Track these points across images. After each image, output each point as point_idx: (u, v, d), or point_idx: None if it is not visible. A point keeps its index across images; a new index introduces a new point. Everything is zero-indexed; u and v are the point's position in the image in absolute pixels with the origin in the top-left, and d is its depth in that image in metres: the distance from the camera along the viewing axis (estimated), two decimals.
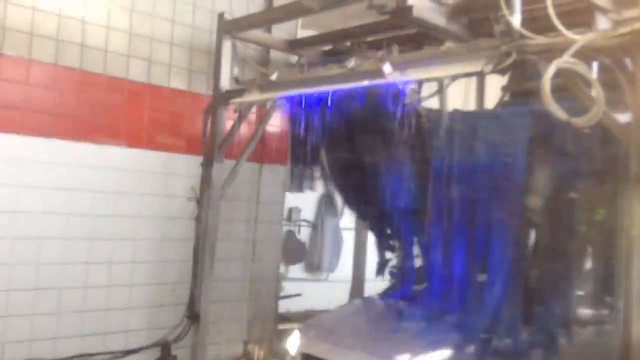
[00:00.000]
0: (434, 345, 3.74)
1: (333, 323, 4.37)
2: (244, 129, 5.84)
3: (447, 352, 3.71)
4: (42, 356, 4.92)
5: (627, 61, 3.06)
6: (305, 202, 8.08)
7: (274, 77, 4.42)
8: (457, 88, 4.82)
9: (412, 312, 4.36)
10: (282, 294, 7.16)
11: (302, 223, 8.30)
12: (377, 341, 3.89)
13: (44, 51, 4.98)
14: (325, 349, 4.00)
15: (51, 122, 5.01)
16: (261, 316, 6.39)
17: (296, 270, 8.23)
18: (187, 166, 5.70)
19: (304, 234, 8.32)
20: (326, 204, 8.29)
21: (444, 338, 3.82)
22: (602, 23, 3.61)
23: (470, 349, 3.78)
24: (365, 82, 3.82)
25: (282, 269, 7.32)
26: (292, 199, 7.43)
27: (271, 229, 6.58)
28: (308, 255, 8.28)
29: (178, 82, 5.77)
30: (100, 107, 5.28)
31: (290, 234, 8.10)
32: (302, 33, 6.40)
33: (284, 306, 7.17)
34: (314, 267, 8.33)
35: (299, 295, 7.63)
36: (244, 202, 6.30)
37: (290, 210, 8.01)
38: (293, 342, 4.21)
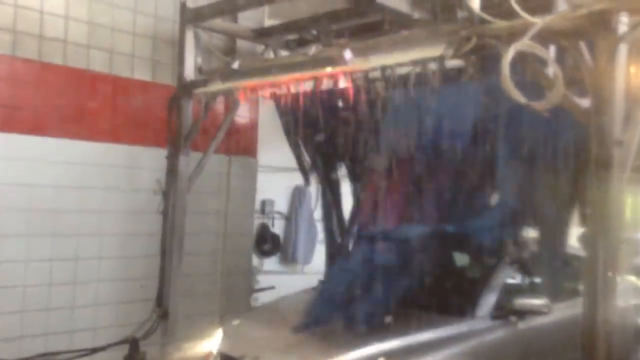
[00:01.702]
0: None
1: (257, 321, 4.34)
2: (212, 120, 5.74)
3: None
4: (5, 356, 4.79)
5: (586, 44, 3.02)
6: (278, 194, 7.99)
7: (235, 65, 4.33)
8: None
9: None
10: (256, 287, 7.08)
11: (276, 215, 8.20)
12: (297, 340, 3.86)
13: (0, 42, 4.83)
14: (244, 349, 3.96)
15: (9, 115, 4.87)
16: (234, 310, 6.31)
17: (271, 263, 8.15)
18: (153, 159, 5.59)
19: (277, 227, 8.23)
20: (300, 195, 8.20)
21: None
22: (562, 7, 3.58)
23: None
24: (328, 69, 3.74)
25: (256, 262, 7.24)
26: (265, 191, 7.34)
27: (243, 222, 6.51)
28: (282, 247, 8.20)
29: (142, 73, 5.65)
30: (61, 100, 5.15)
31: (264, 226, 8.00)
32: (270, 23, 6.30)
33: (258, 299, 7.10)
34: (289, 260, 8.24)
35: (272, 288, 7.53)
36: (213, 195, 6.21)
37: (264, 202, 7.88)
38: (214, 342, 4.16)
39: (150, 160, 5.61)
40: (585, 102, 3.06)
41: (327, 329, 3.97)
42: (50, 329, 5.09)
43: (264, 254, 7.86)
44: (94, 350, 5.26)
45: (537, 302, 4.19)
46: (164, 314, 5.29)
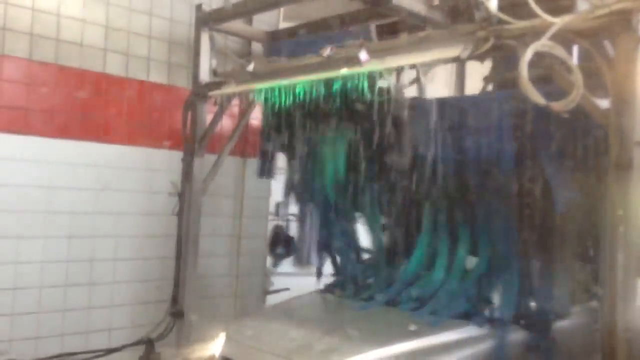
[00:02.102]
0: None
1: (262, 324, 4.21)
2: (227, 123, 5.75)
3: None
4: (22, 356, 4.82)
5: (606, 44, 2.99)
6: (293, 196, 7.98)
7: (250, 67, 4.33)
8: (438, 78, 4.76)
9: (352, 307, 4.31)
10: (271, 289, 7.08)
11: (291, 217, 8.20)
12: (302, 343, 3.75)
13: (18, 46, 4.87)
14: (247, 353, 3.89)
15: (27, 118, 4.91)
16: (249, 312, 6.32)
17: (286, 265, 8.15)
18: (168, 161, 5.61)
19: (292, 229, 8.23)
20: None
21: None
22: (583, 7, 3.55)
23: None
24: (343, 70, 3.73)
25: (270, 264, 7.24)
26: (280, 193, 7.34)
27: (257, 224, 6.52)
28: (297, 249, 8.19)
29: (157, 76, 5.67)
30: (78, 103, 5.18)
31: (279, 228, 8.00)
32: (285, 25, 6.31)
33: (273, 301, 7.09)
34: (303, 262, 8.24)
35: (287, 289, 7.53)
36: (228, 197, 6.22)
37: (278, 204, 7.91)
38: (217, 346, 4.11)
39: (165, 163, 5.63)
40: (604, 103, 3.03)
41: (336, 332, 3.85)
42: (66, 329, 5.11)
43: (278, 256, 7.87)
44: (110, 351, 5.28)
45: (556, 306, 4.04)
46: (179, 315, 5.30)
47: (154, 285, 5.61)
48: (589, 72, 3.02)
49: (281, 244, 7.91)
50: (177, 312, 5.33)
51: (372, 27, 4.58)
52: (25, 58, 4.91)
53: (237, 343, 4.05)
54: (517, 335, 3.88)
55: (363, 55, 3.53)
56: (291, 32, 5.68)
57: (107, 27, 5.36)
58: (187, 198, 5.33)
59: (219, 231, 6.08)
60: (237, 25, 5.61)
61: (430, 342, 3.62)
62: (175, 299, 5.38)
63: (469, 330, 3.78)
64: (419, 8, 4.17)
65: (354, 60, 3.59)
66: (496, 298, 4.10)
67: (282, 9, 6.22)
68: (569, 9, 3.54)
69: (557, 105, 2.93)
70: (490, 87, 4.92)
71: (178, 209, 5.45)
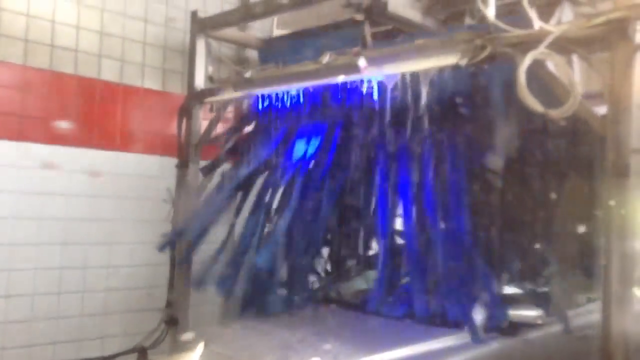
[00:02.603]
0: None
1: (241, 332, 4.09)
2: (221, 129, 5.74)
3: None
4: None
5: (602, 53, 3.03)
6: None
7: (247, 74, 4.34)
8: None
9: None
10: None
11: None
12: (282, 353, 3.62)
13: (12, 51, 4.86)
14: None
15: (20, 124, 4.89)
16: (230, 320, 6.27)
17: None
18: (163, 168, 5.60)
19: None
20: None
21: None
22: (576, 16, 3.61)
23: None
24: (341, 78, 3.75)
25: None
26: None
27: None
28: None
29: (152, 82, 5.66)
30: (72, 109, 5.17)
31: None
32: (278, 33, 6.32)
33: None
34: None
35: None
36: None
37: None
38: (195, 355, 4.06)
39: (159, 169, 5.62)
40: (601, 111, 3.07)
41: (320, 340, 3.69)
42: (58, 337, 5.07)
43: None
44: (103, 359, 5.24)
45: (530, 314, 3.91)
46: (173, 323, 5.27)
47: (147, 293, 5.57)
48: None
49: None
50: (170, 320, 5.30)
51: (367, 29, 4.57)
52: (19, 64, 4.89)
53: (212, 352, 3.98)
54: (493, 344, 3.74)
55: (362, 62, 3.55)
56: (286, 40, 5.70)
57: (101, 33, 5.36)
58: (181, 205, 5.31)
59: (213, 238, 6.04)
60: (232, 32, 5.62)
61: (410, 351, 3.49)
62: (169, 307, 5.34)
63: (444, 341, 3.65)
64: (415, 16, 4.22)
65: (352, 67, 3.61)
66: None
67: (275, 17, 6.23)
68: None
69: (555, 113, 2.97)
70: None
71: (172, 215, 5.42)
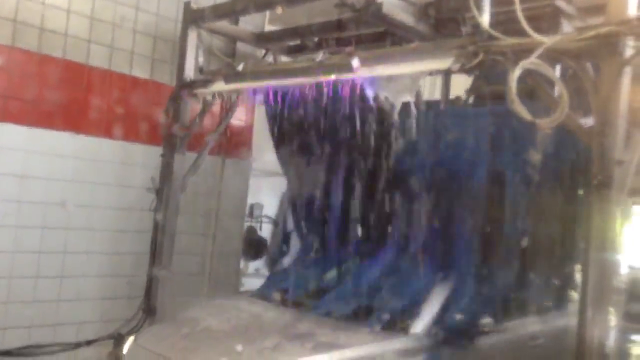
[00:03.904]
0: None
1: (171, 328, 4.01)
2: (207, 121, 5.74)
3: None
4: None
5: (591, 65, 3.10)
6: (267, 198, 8.00)
7: (240, 67, 4.34)
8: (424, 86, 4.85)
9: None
10: (241, 289, 7.07)
11: (264, 219, 8.21)
12: (206, 352, 3.58)
13: (0, 32, 4.79)
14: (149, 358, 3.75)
15: (4, 105, 4.83)
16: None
17: (257, 266, 8.14)
18: (147, 156, 5.57)
19: (265, 231, 8.23)
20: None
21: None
22: (567, 29, 3.67)
23: None
24: (333, 76, 3.78)
25: (241, 264, 7.23)
26: (254, 195, 7.35)
27: (233, 224, 6.50)
28: (269, 251, 8.19)
29: (140, 71, 5.64)
30: (58, 93, 5.12)
31: (252, 229, 8.00)
32: (269, 28, 6.34)
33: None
34: (274, 264, 8.24)
35: None
36: (205, 195, 6.19)
37: (252, 206, 7.89)
38: (126, 349, 4.03)
39: (143, 158, 5.59)
40: (588, 122, 3.14)
41: (250, 339, 3.63)
42: (34, 321, 5.03)
43: (250, 257, 7.87)
44: (79, 345, 5.21)
45: (480, 320, 3.82)
46: (151, 312, 5.25)
47: (125, 281, 5.55)
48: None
49: (253, 246, 7.92)
50: (149, 308, 5.28)
51: None
52: (7, 45, 4.83)
53: (139, 348, 3.91)
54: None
55: (355, 62, 3.58)
56: (277, 35, 5.72)
57: (92, 19, 5.31)
58: (165, 194, 5.29)
59: (194, 229, 6.06)
60: (224, 24, 5.61)
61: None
62: (147, 295, 5.32)
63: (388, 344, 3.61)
64: (408, 19, 4.25)
65: (345, 67, 3.64)
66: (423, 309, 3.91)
67: (267, 12, 6.23)
68: (553, 29, 3.70)
69: (543, 123, 3.03)
70: (471, 99, 5.03)
71: (155, 205, 5.40)
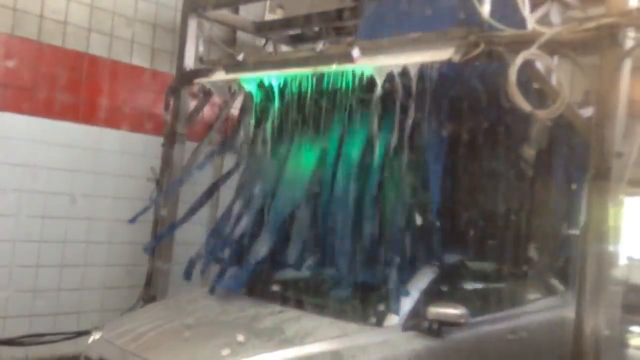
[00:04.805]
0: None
1: (134, 324, 3.84)
2: (208, 111, 5.73)
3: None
4: None
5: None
6: None
7: (240, 57, 4.33)
8: None
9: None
10: None
11: None
12: (172, 344, 3.45)
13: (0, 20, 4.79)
14: (111, 354, 3.61)
15: (4, 94, 4.82)
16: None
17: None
18: (147, 146, 5.58)
19: None
20: None
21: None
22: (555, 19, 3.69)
23: None
24: (334, 66, 3.77)
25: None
26: None
27: None
28: None
29: (140, 59, 5.63)
30: (58, 81, 5.11)
31: None
32: (269, 17, 6.31)
33: None
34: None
35: None
36: (205, 185, 6.18)
37: None
38: (88, 344, 3.92)
39: (144, 147, 5.59)
40: (586, 113, 3.15)
41: (215, 333, 3.49)
42: (35, 310, 5.05)
43: None
44: (79, 334, 5.22)
45: (453, 311, 3.49)
46: (152, 301, 5.26)
47: (126, 270, 5.57)
48: None
49: None
50: (149, 298, 5.29)
51: None
52: (6, 33, 4.83)
53: (104, 341, 3.79)
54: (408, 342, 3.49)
55: (355, 52, 3.57)
56: (278, 24, 5.70)
57: (92, 7, 5.30)
58: (165, 184, 5.30)
59: (194, 219, 6.04)
60: (225, 13, 5.60)
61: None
62: (148, 285, 5.34)
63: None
64: None
65: (346, 57, 3.63)
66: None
67: (268, 1, 6.21)
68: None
69: (543, 113, 3.03)
70: None
71: (156, 194, 5.40)
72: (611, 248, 2.97)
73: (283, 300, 3.95)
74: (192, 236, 5.99)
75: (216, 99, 5.81)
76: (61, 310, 5.20)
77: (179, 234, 5.46)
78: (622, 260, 3.24)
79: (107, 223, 5.47)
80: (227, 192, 6.29)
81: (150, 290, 5.31)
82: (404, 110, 3.72)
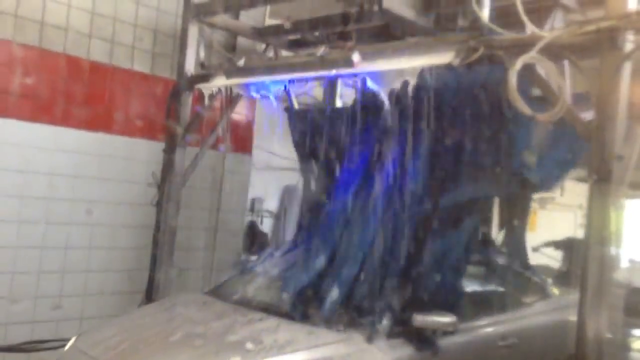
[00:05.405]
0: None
1: (109, 332, 3.78)
2: (209, 116, 5.73)
3: None
4: None
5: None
6: (268, 192, 8.00)
7: (241, 62, 4.34)
8: None
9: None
10: None
11: (265, 214, 8.22)
12: (142, 354, 3.38)
13: (1, 27, 4.80)
14: None
15: (5, 101, 4.84)
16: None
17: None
18: (148, 152, 5.59)
19: (266, 225, 8.24)
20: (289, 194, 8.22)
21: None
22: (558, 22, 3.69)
23: None
24: (334, 71, 3.78)
25: (243, 258, 7.25)
26: (255, 190, 7.36)
27: (234, 219, 6.53)
28: (270, 246, 8.21)
29: (141, 65, 5.64)
30: (59, 88, 5.13)
31: (253, 224, 8.01)
32: (270, 23, 6.32)
33: None
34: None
35: None
36: (206, 190, 6.21)
37: (253, 200, 7.91)
38: (62, 354, 3.85)
39: (145, 153, 5.61)
40: (587, 116, 3.15)
41: (190, 341, 3.42)
42: (37, 317, 5.05)
43: (251, 251, 7.88)
44: None
45: (441, 319, 3.43)
46: None
47: (127, 276, 5.58)
48: None
49: (255, 240, 7.93)
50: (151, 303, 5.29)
51: None
52: (7, 40, 4.84)
53: (76, 350, 3.72)
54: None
55: (356, 57, 3.58)
56: (278, 30, 5.70)
57: (93, 13, 5.32)
58: (166, 189, 5.30)
59: (196, 224, 6.07)
60: (225, 18, 5.60)
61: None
62: (149, 290, 5.34)
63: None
64: (409, 13, 4.25)
65: (346, 62, 3.64)
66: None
67: (268, 7, 6.22)
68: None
69: (543, 117, 3.03)
70: None
71: (157, 199, 5.41)
72: (613, 251, 2.97)
73: (263, 308, 3.86)
74: (192, 241, 6.03)
75: (215, 103, 5.84)
76: (63, 317, 5.20)
77: (179, 238, 5.47)
78: (624, 263, 3.23)
79: (109, 229, 5.48)
80: (229, 197, 6.34)
81: (151, 296, 5.30)
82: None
